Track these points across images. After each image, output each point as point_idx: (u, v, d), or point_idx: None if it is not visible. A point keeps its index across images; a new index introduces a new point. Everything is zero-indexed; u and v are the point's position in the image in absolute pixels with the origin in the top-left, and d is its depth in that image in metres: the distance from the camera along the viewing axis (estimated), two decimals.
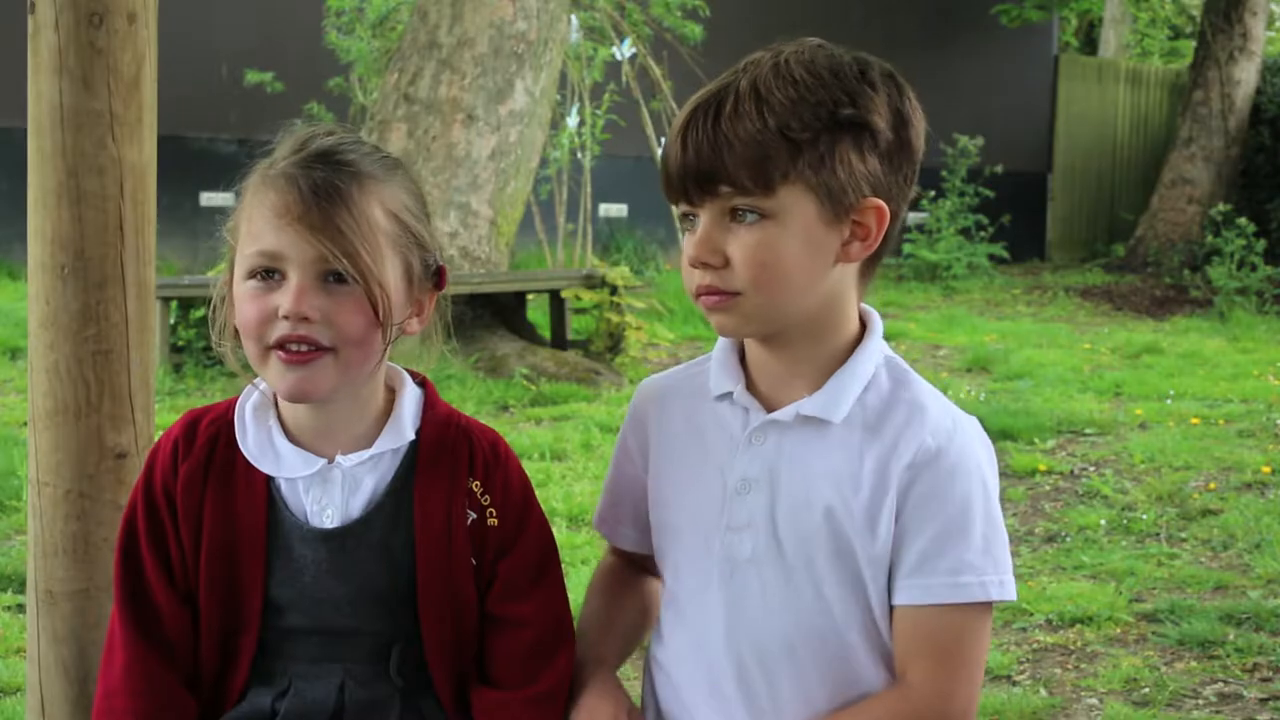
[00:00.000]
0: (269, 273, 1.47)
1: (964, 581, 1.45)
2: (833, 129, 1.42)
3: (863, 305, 1.55)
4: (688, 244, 1.48)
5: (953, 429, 1.49)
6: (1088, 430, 6.04)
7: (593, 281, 7.53)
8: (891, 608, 1.49)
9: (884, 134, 1.45)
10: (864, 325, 1.54)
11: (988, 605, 1.48)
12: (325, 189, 1.45)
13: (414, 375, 1.62)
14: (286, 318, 1.45)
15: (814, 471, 1.49)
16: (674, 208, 1.52)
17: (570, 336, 7.62)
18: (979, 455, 1.50)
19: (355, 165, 1.49)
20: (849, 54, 1.48)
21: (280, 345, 1.46)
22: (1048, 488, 5.14)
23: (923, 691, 1.47)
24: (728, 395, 1.55)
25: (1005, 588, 1.47)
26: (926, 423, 1.48)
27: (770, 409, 1.52)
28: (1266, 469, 5.26)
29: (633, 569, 1.71)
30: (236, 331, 1.52)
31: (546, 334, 7.68)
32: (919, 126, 1.49)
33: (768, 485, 1.50)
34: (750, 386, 1.54)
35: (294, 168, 1.47)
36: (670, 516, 1.58)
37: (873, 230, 1.46)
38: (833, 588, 1.49)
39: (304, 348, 1.46)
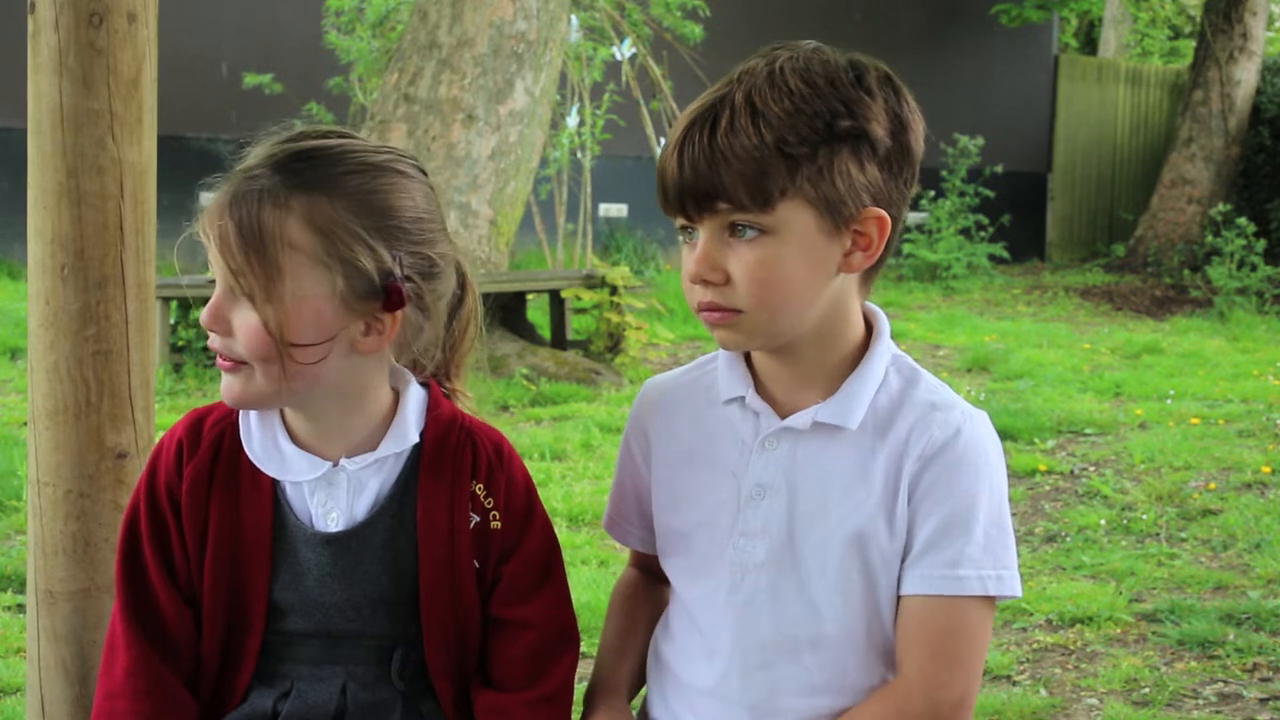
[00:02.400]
0: (214, 282, 1.48)
1: (962, 575, 1.45)
2: (831, 141, 1.40)
3: (868, 304, 1.54)
4: (688, 259, 1.46)
5: (962, 422, 1.48)
6: (1088, 430, 6.04)
7: (593, 281, 7.53)
8: (898, 599, 1.49)
9: (883, 142, 1.43)
10: (869, 325, 1.53)
11: (988, 600, 1.47)
12: (231, 204, 1.43)
13: (419, 376, 1.62)
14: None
15: (830, 478, 1.48)
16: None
17: (570, 336, 7.63)
18: (987, 449, 1.49)
19: (297, 176, 1.44)
20: (845, 58, 1.45)
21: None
22: (1048, 488, 5.14)
23: (916, 682, 1.45)
24: (738, 399, 1.53)
25: (1004, 583, 1.46)
26: (935, 418, 1.48)
27: (781, 413, 1.51)
28: (1266, 469, 5.26)
29: (651, 581, 1.69)
30: None
31: (546, 334, 7.68)
32: (918, 130, 1.47)
33: (784, 491, 1.49)
34: (760, 389, 1.53)
35: (229, 180, 1.47)
36: (677, 520, 1.57)
37: (874, 240, 1.45)
38: (845, 592, 1.48)
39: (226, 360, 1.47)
